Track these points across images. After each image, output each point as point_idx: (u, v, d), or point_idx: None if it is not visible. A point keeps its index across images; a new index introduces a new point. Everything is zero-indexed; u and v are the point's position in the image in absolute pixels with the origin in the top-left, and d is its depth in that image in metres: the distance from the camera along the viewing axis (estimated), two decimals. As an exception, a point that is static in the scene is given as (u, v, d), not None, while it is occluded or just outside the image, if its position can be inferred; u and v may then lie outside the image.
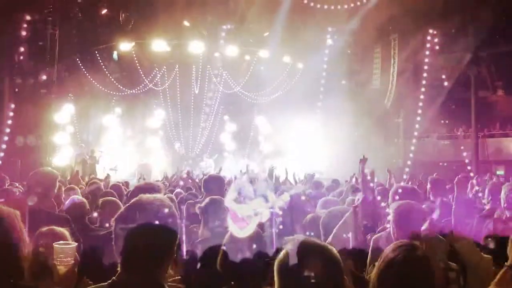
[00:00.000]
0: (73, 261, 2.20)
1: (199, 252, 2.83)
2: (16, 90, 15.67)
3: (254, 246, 2.60)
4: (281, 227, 3.79)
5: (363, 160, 3.91)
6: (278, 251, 1.77)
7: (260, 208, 3.02)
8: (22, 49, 15.32)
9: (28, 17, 15.27)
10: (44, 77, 16.05)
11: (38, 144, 15.56)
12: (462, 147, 18.99)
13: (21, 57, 15.38)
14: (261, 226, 3.17)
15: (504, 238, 2.86)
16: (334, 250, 1.73)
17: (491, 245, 2.93)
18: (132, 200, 2.05)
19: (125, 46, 18.39)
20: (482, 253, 3.17)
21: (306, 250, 1.68)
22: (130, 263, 1.91)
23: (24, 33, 15.26)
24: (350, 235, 3.24)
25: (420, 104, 18.76)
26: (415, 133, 18.74)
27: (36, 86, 16.01)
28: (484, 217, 4.73)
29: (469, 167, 17.59)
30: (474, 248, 3.24)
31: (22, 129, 15.47)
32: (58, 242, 2.31)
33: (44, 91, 16.23)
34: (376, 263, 1.91)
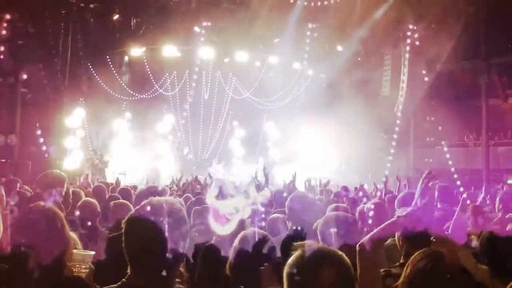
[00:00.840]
0: (88, 269, 2.22)
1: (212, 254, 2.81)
2: None
3: (236, 243, 2.58)
4: (263, 224, 3.77)
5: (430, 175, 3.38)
6: (287, 255, 1.74)
7: (242, 205, 3.00)
8: (2, 48, 15.23)
9: (8, 16, 15.20)
10: (25, 76, 15.98)
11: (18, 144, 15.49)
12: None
13: (1, 56, 15.32)
14: (242, 222, 3.12)
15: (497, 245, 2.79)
16: (345, 256, 1.70)
17: (474, 243, 2.88)
18: (143, 202, 2.05)
19: (136, 51, 18.54)
20: (478, 264, 3.12)
21: (316, 255, 1.65)
22: (140, 265, 1.90)
23: (4, 32, 15.21)
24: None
25: (431, 112, 18.65)
26: (425, 140, 18.62)
27: (17, 85, 15.95)
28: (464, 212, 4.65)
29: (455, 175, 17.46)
30: (471, 259, 3.19)
31: (3, 129, 15.49)
32: (77, 250, 2.33)
33: (25, 90, 16.17)
34: (403, 272, 1.87)
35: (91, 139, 18.50)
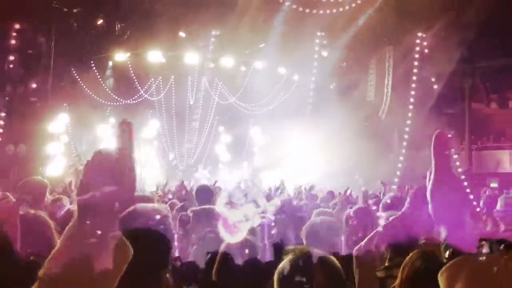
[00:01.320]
0: None
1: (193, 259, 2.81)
2: (6, 98, 15.69)
3: (247, 251, 2.56)
4: (273, 232, 3.78)
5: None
6: (277, 260, 1.74)
7: (251, 213, 3.00)
8: (12, 57, 15.31)
9: (17, 26, 15.31)
10: (34, 85, 16.05)
11: (29, 153, 15.50)
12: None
13: (11, 66, 15.39)
14: (252, 231, 3.07)
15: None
16: (336, 261, 1.71)
17: (485, 249, 2.91)
18: (128, 209, 2.03)
19: (120, 56, 18.43)
20: None
21: (307, 260, 1.66)
22: (125, 271, 1.89)
23: (13, 41, 15.28)
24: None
25: (415, 116, 18.86)
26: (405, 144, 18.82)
27: (26, 94, 16.04)
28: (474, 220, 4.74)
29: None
30: None
31: (13, 138, 15.46)
32: None
33: (34, 99, 16.23)
34: (400, 273, 1.89)
35: (75, 144, 18.30)
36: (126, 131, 0.94)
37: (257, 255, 2.63)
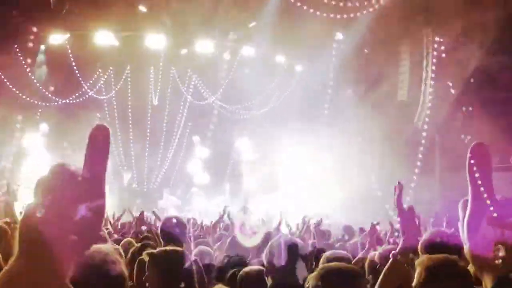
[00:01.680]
0: None
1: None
2: None
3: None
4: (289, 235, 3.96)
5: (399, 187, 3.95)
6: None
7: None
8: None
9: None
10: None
11: None
12: None
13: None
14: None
15: None
16: None
17: (501, 253, 3.20)
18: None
19: (56, 38, 18.42)
20: None
21: None
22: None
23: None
24: None
25: (461, 125, 18.99)
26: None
27: None
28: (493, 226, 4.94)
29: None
30: None
31: None
32: None
33: None
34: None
35: (-9, 160, 18.23)
36: (99, 141, 0.93)
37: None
